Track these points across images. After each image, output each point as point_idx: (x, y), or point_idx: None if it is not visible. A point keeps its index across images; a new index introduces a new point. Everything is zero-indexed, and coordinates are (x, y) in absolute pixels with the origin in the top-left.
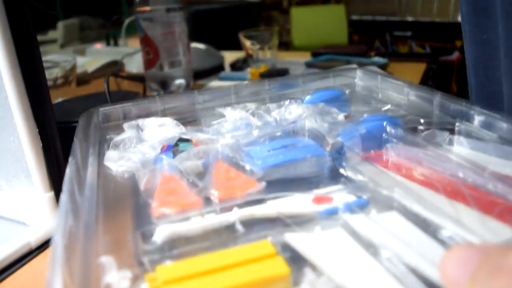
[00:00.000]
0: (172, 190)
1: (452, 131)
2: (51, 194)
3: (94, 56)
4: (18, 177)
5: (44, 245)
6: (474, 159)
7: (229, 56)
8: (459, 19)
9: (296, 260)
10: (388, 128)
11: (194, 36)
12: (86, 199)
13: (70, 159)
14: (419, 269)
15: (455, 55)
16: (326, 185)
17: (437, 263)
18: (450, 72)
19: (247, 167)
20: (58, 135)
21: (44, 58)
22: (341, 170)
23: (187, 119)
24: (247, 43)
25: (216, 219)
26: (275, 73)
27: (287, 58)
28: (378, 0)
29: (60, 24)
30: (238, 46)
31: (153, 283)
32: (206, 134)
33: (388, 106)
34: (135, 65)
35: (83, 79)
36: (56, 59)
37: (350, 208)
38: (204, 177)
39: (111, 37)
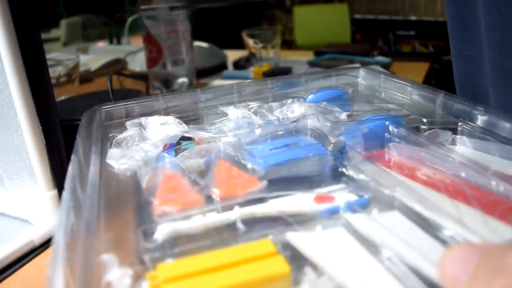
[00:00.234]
0: (174, 188)
1: (455, 131)
2: (54, 192)
3: (97, 54)
4: (21, 175)
5: (47, 243)
6: (476, 159)
7: (232, 55)
8: None
9: (297, 259)
10: (391, 128)
11: (197, 34)
12: (88, 197)
13: (72, 157)
14: (420, 269)
15: None
16: (328, 184)
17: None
18: (453, 72)
19: (249, 165)
20: (61, 133)
21: (47, 56)
22: (343, 169)
23: (190, 118)
24: (250, 41)
25: (217, 218)
26: (278, 72)
27: (290, 57)
28: None
29: (63, 22)
30: (241, 45)
31: (154, 281)
32: (208, 133)
33: (391, 106)
34: (138, 63)
35: (86, 77)
36: (59, 57)
37: (351, 208)
38: (206, 175)
39: (114, 35)
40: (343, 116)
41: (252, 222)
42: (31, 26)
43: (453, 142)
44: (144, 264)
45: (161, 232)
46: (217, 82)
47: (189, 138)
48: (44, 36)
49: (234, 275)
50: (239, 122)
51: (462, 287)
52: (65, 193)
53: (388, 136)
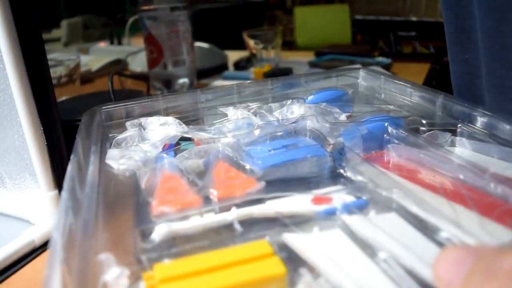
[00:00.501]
0: (172, 188)
1: (454, 133)
2: (55, 192)
3: (97, 55)
4: (22, 175)
5: (48, 243)
6: (475, 161)
7: (233, 56)
8: None
9: (293, 261)
10: (390, 129)
11: (198, 35)
12: (86, 197)
13: (72, 156)
14: (416, 271)
15: None
16: (326, 185)
17: None
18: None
19: (248, 166)
20: (62, 133)
21: (48, 57)
22: (341, 171)
23: (190, 118)
24: (251, 42)
25: (214, 218)
26: (279, 72)
27: (290, 58)
28: (382, 0)
29: (64, 23)
30: (241, 46)
31: (150, 281)
32: (208, 133)
33: (391, 107)
34: (139, 64)
35: (87, 78)
36: (60, 58)
37: (348, 209)
38: (204, 176)
39: (115, 36)
40: (343, 117)
41: (249, 223)
42: (32, 26)
43: (453, 144)
44: (141, 264)
45: (159, 232)
46: (218, 82)
47: (189, 139)
48: (45, 36)
49: (230, 276)
50: (238, 122)
51: None
52: (64, 193)
53: (387, 137)
